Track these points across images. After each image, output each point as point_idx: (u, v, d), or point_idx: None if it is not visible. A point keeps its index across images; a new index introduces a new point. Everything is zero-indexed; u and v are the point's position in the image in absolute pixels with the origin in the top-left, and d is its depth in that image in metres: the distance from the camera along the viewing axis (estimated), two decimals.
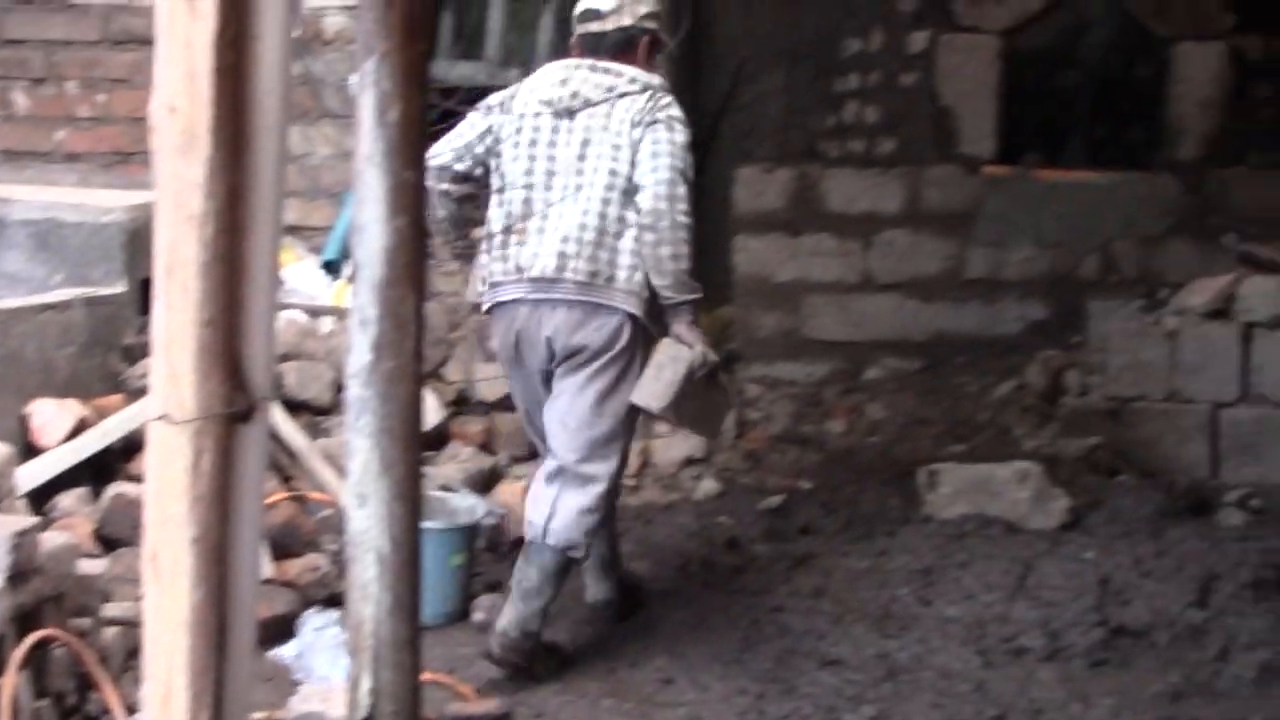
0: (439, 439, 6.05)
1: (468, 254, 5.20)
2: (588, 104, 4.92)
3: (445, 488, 5.54)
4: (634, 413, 4.88)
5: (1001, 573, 5.25)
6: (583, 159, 4.89)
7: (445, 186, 4.99)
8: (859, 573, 5.45)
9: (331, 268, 6.53)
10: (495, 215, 4.98)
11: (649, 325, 4.83)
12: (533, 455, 5.64)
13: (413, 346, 2.58)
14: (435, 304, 6.28)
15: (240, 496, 2.35)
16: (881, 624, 5.06)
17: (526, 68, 8.10)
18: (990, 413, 6.82)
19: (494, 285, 4.93)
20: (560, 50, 6.00)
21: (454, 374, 6.35)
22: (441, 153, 4.97)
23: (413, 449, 2.63)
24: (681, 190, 4.79)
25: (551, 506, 4.77)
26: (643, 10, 5.05)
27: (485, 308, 5.02)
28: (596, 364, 4.80)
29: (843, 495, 6.18)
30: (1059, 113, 8.63)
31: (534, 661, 4.72)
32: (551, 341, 4.81)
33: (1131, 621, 4.97)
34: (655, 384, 4.71)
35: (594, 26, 5.04)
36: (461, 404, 6.29)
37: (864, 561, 5.53)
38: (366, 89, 2.52)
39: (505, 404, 6.14)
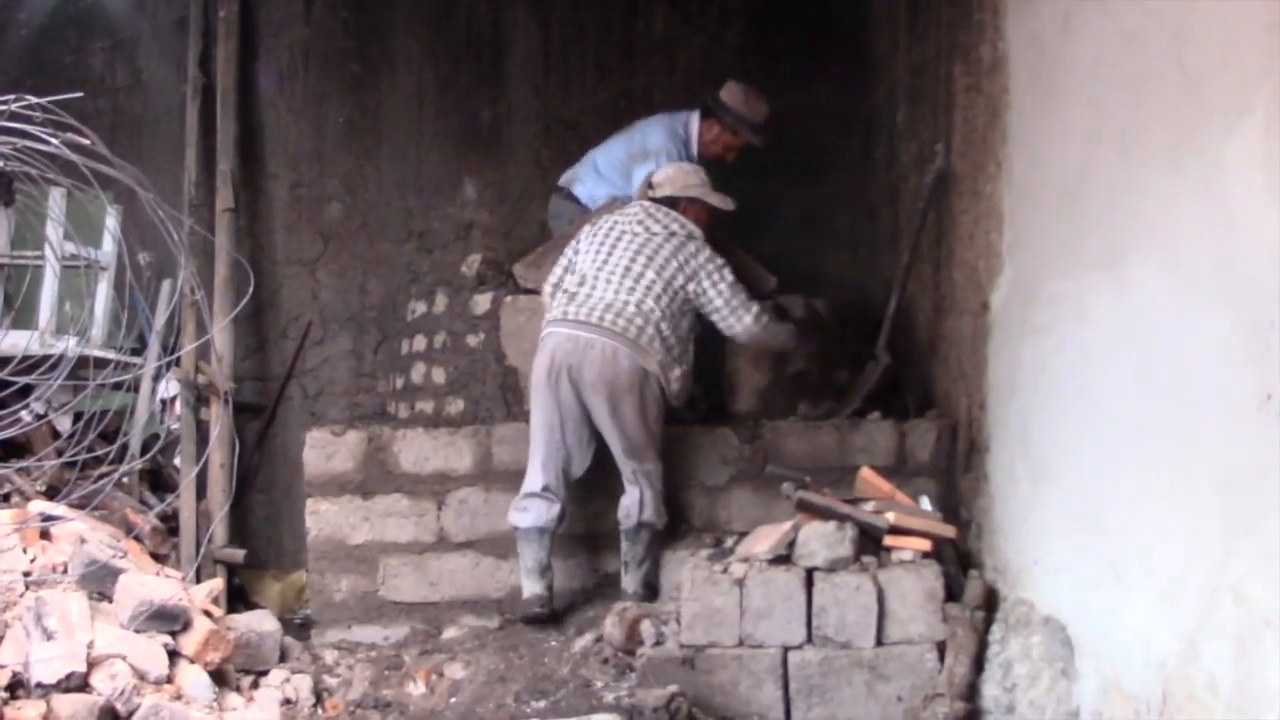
0: None
1: None
2: (648, 230, 7.38)
3: None
4: (662, 426, 7.26)
5: None
6: (634, 260, 7.28)
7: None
8: None
9: None
10: (563, 283, 7.38)
11: (662, 381, 7.17)
12: None
13: None
14: None
15: None
16: None
17: (82, 336, 7.93)
18: (570, 666, 6.85)
19: (550, 322, 7.26)
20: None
21: (7, 657, 5.96)
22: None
23: None
24: (752, 315, 7.39)
25: (639, 500, 7.22)
26: (693, 182, 7.65)
27: (542, 335, 7.29)
28: (626, 396, 7.09)
29: None
30: None
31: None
32: (585, 370, 7.09)
33: None
34: None
35: (656, 192, 7.61)
36: (16, 688, 5.90)
37: None
38: None
39: (65, 685, 5.81)
